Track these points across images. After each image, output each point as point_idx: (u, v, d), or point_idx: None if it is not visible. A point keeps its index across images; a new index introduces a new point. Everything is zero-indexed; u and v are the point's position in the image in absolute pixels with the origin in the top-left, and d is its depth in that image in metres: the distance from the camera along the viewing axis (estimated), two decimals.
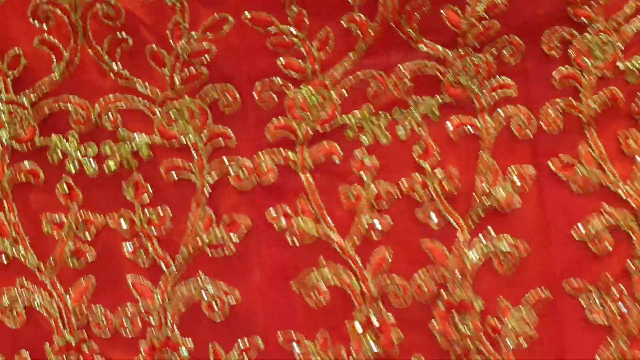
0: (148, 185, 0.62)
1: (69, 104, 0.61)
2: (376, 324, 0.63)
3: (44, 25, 0.59)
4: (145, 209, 0.62)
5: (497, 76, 0.64)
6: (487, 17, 0.62)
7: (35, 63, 0.60)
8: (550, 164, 0.64)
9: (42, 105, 0.61)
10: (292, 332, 0.63)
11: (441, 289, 0.64)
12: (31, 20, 0.59)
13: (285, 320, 0.64)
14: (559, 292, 0.65)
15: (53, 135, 0.61)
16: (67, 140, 0.61)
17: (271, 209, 0.63)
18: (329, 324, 0.64)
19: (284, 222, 0.63)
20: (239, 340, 0.63)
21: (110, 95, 0.61)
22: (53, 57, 0.60)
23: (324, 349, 0.63)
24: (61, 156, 0.61)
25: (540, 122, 0.64)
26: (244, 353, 0.63)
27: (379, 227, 0.63)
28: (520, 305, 0.64)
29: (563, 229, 0.64)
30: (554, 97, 0.64)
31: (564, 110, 0.64)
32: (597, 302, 0.64)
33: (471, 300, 0.64)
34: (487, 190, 0.63)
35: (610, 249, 0.64)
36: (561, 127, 0.64)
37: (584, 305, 0.65)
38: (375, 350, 0.63)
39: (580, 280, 0.64)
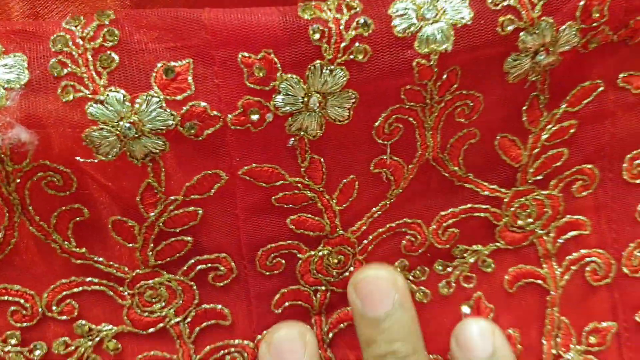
0: None
1: (6, 296, 0.52)
2: None
3: None
4: None
5: (566, 214, 0.58)
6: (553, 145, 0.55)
7: None
8: (636, 316, 0.60)
9: None
10: None
11: None
12: None
13: None
14: None
15: None
16: (6, 342, 0.53)
17: None
18: None
19: None
20: None
21: (63, 280, 0.52)
22: None
23: None
24: None
25: (622, 266, 0.59)
26: None
27: None
28: None
29: None
30: None
31: None
32: None
33: None
34: (557, 354, 0.59)
35: None
36: None
37: None
38: None
39: None
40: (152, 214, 0.51)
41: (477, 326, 0.51)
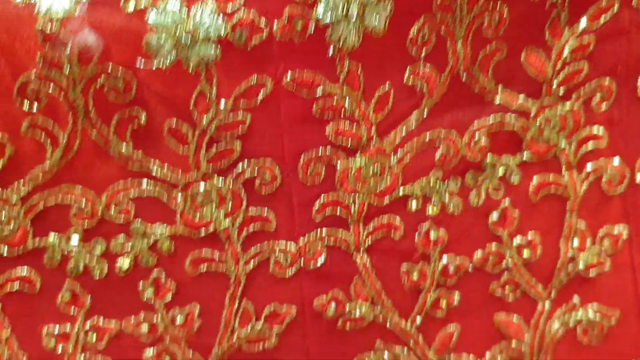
0: (171, 281, 0.59)
1: (69, 196, 0.57)
2: None
3: (35, 105, 0.54)
4: (169, 309, 0.60)
5: (586, 126, 0.62)
6: (574, 59, 0.60)
7: (24, 150, 0.55)
8: None
9: (34, 200, 0.56)
10: None
11: None
12: (18, 100, 0.54)
13: None
14: None
15: (51, 234, 0.57)
16: (69, 239, 0.57)
17: (321, 296, 0.61)
18: None
19: (334, 308, 0.62)
20: None
21: (120, 182, 0.57)
22: (46, 142, 0.55)
23: None
24: (60, 258, 0.57)
25: (636, 175, 0.63)
26: None
27: (445, 304, 0.63)
28: None
29: None
30: None
31: None
32: None
33: None
34: (573, 256, 0.63)
35: None
36: None
37: None
38: None
39: None
40: (204, 119, 0.55)
41: None
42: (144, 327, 0.60)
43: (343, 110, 0.57)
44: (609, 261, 0.64)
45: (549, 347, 0.65)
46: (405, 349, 0.64)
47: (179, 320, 0.60)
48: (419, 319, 0.63)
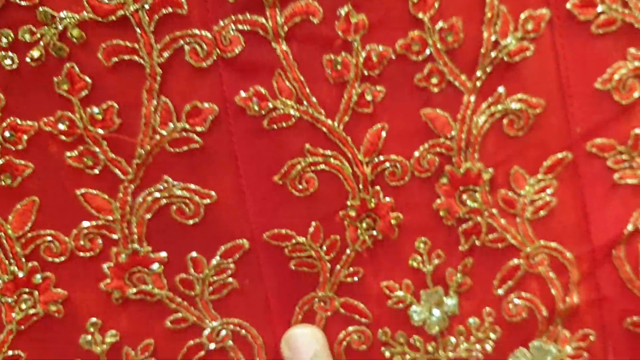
0: (85, 76, 0.57)
1: None
2: (372, 207, 0.63)
3: None
4: (86, 107, 0.58)
5: None
6: None
7: None
8: (568, 4, 0.62)
9: None
10: (279, 230, 0.64)
11: (445, 164, 0.64)
12: None
13: (270, 216, 0.64)
14: (580, 152, 0.65)
15: None
16: None
17: (242, 92, 0.60)
18: (320, 213, 0.64)
19: (257, 105, 0.60)
20: (222, 246, 0.63)
21: None
22: None
23: (315, 240, 0.64)
24: None
25: None
26: (228, 258, 0.63)
27: (371, 99, 0.61)
28: (538, 174, 0.65)
29: (583, 79, 0.64)
30: None
31: None
32: (626, 162, 0.65)
33: (478, 170, 0.64)
34: (495, 41, 0.61)
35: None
36: None
37: (611, 166, 0.66)
38: (374, 233, 0.64)
39: (605, 139, 0.65)
40: None
41: (303, 332, 0.63)
42: (63, 126, 0.58)
43: None
44: (533, 46, 0.63)
45: (476, 140, 0.64)
46: (335, 152, 0.62)
47: (97, 117, 0.58)
48: (346, 118, 0.61)
